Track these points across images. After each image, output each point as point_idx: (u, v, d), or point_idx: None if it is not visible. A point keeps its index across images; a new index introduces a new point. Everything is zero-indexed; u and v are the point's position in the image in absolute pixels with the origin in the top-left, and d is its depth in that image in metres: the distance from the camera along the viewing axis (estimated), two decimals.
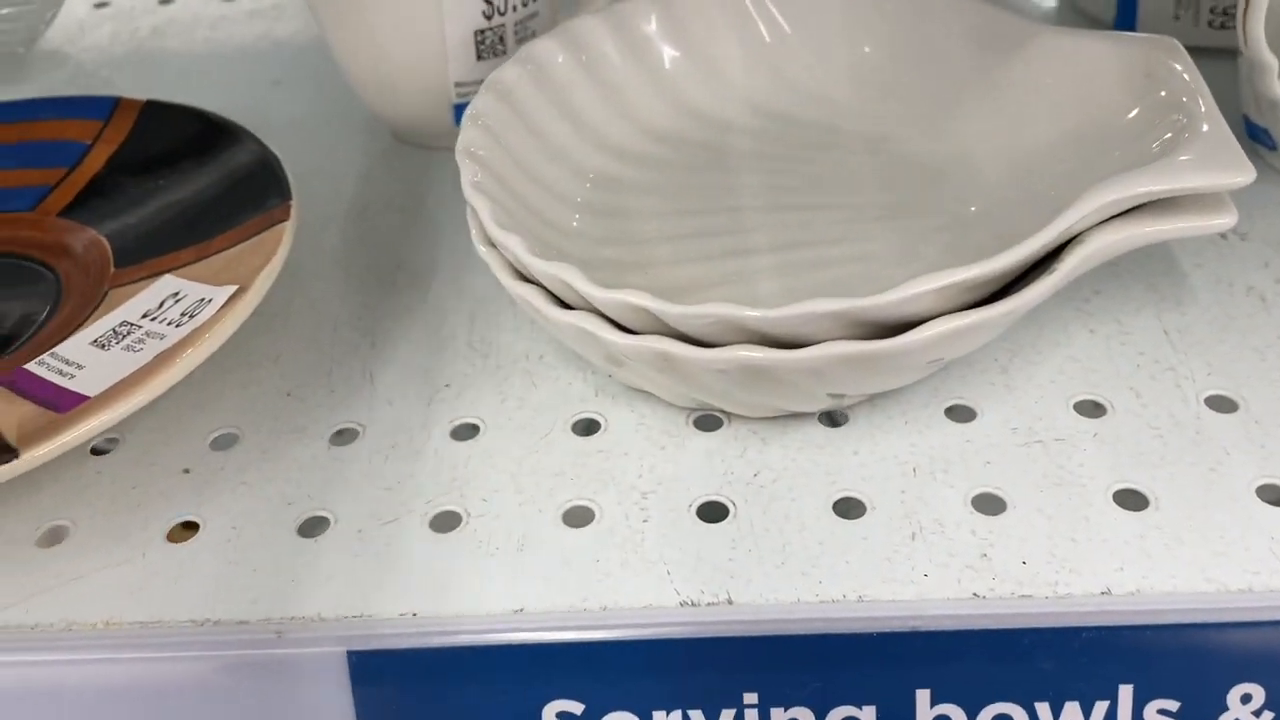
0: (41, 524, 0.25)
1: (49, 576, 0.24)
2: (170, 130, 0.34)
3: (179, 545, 0.24)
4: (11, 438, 0.24)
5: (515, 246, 0.24)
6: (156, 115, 0.35)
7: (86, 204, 0.33)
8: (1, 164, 0.34)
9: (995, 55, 0.30)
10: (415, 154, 0.37)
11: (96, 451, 0.27)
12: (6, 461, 0.23)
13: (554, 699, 0.22)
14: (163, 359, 0.25)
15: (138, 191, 0.33)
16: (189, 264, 0.30)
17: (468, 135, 0.27)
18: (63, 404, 0.25)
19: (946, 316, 0.22)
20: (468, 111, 0.28)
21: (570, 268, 0.23)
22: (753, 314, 0.21)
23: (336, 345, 0.30)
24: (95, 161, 0.34)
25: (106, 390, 0.25)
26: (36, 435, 0.24)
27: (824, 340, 0.22)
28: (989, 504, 0.24)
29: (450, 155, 0.36)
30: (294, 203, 0.30)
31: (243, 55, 0.45)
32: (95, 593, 0.23)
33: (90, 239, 0.32)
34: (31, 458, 0.23)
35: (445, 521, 0.25)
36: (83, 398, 0.25)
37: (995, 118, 0.29)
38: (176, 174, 0.33)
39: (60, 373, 0.27)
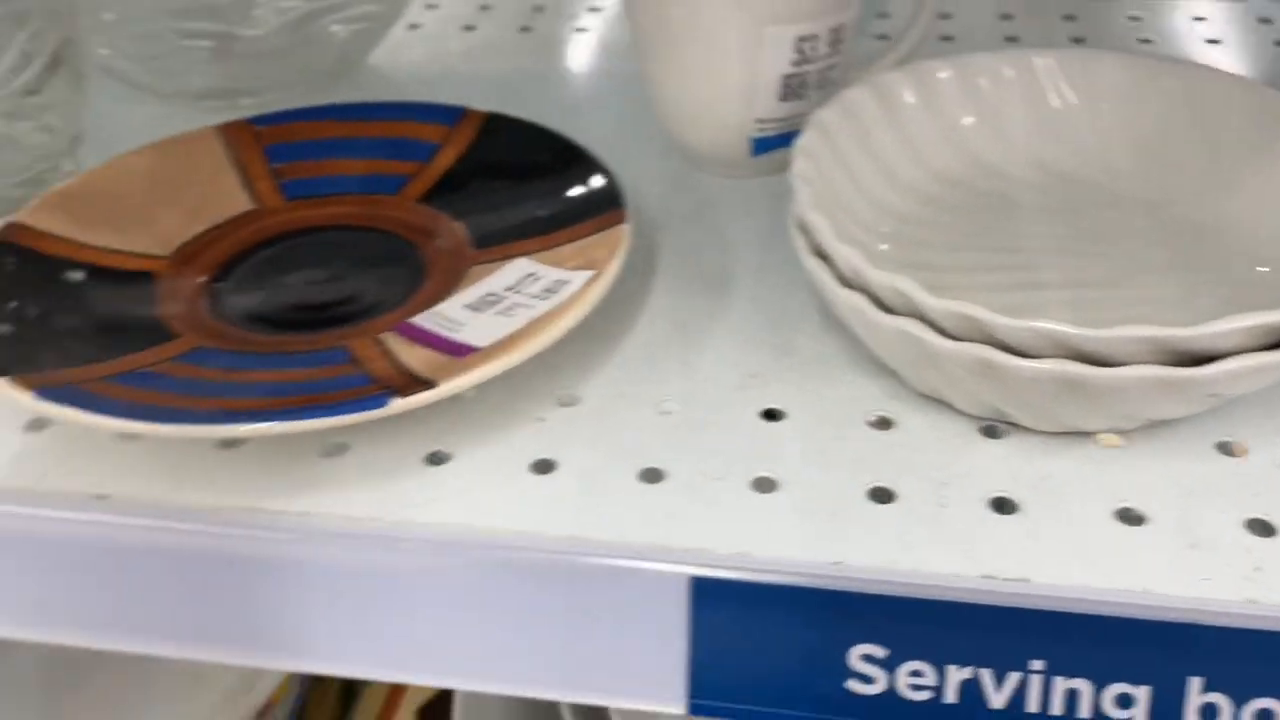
0: (428, 448, 0.30)
1: (440, 488, 0.29)
2: (510, 138, 0.40)
3: (542, 476, 0.29)
4: (422, 373, 0.29)
5: (854, 258, 0.28)
6: (497, 125, 0.41)
7: (440, 194, 0.39)
8: (370, 154, 0.41)
9: (1272, 133, 0.33)
10: (705, 178, 0.42)
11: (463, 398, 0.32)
12: (426, 389, 0.28)
13: (861, 642, 0.26)
14: (541, 322, 0.30)
15: (484, 187, 0.39)
16: (536, 252, 0.35)
17: (799, 165, 0.32)
18: (457, 350, 0.30)
19: (1249, 354, 0.25)
20: (798, 144, 0.33)
21: (907, 279, 0.27)
22: (1078, 332, 0.25)
23: (653, 334, 0.34)
24: (445, 159, 0.40)
25: (497, 342, 0.30)
26: (442, 373, 0.29)
27: (1132, 364, 0.25)
28: (1260, 528, 0.27)
29: (740, 181, 0.41)
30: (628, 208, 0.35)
31: (541, 80, 0.51)
32: (478, 505, 0.28)
33: (447, 222, 0.38)
34: (445, 389, 0.28)
35: (764, 485, 0.29)
36: (473, 348, 0.30)
37: (1270, 190, 0.32)
38: (518, 175, 0.38)
39: (445, 327, 0.32)
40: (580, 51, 0.53)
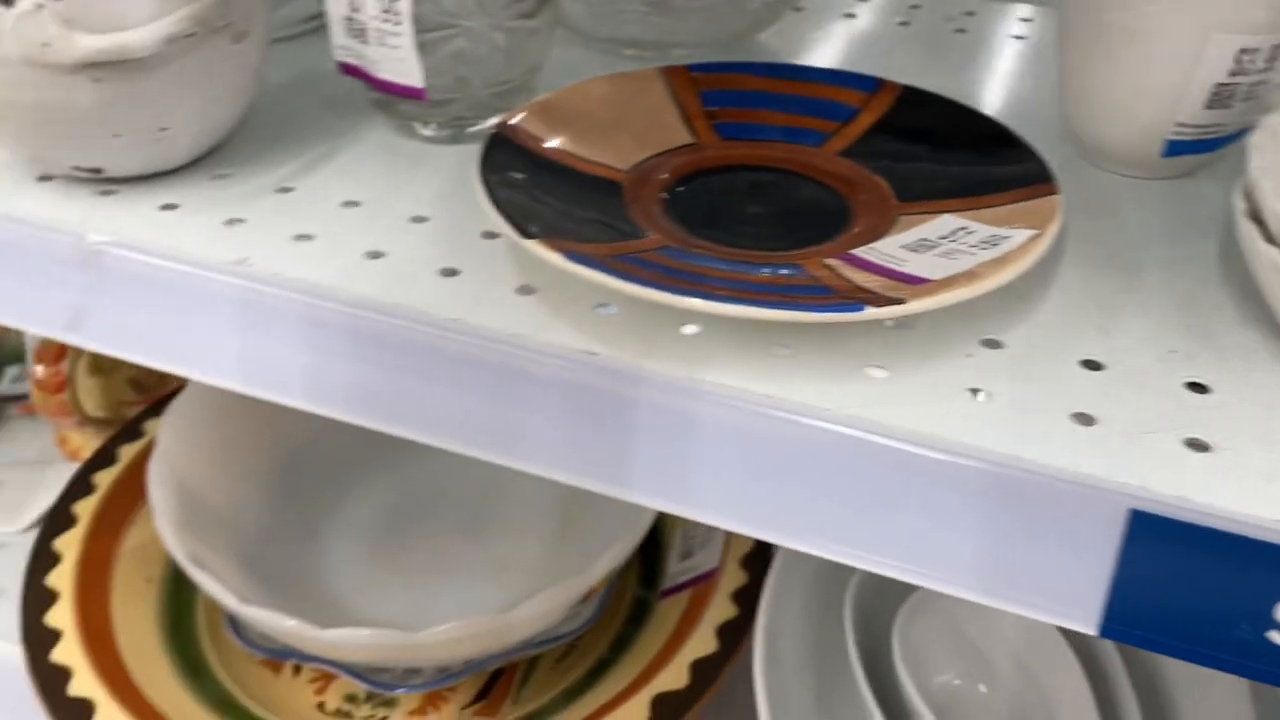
0: (861, 364, 0.34)
1: (883, 396, 0.32)
2: (927, 109, 0.43)
3: (978, 403, 0.32)
4: (881, 292, 0.33)
5: None
6: (913, 97, 0.44)
7: (859, 151, 0.42)
8: (793, 109, 0.44)
9: None
10: (1099, 172, 0.44)
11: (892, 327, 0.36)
12: (897, 304, 0.32)
13: None
14: (992, 265, 0.33)
15: (902, 150, 0.42)
16: (962, 211, 0.38)
17: (1257, 160, 0.34)
18: (908, 280, 0.34)
19: None
20: (1252, 141, 0.35)
21: None
22: None
23: (1067, 300, 0.37)
24: (863, 122, 0.44)
25: (954, 275, 0.33)
26: (903, 295, 0.33)
27: None
28: None
29: (1138, 180, 0.43)
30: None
31: (918, 68, 0.54)
32: (922, 416, 0.31)
33: (868, 176, 0.41)
34: (916, 306, 0.32)
35: (1196, 445, 0.30)
36: (925, 279, 0.34)
37: None
38: (935, 142, 0.42)
39: (887, 260, 0.35)
40: (953, 47, 0.56)
